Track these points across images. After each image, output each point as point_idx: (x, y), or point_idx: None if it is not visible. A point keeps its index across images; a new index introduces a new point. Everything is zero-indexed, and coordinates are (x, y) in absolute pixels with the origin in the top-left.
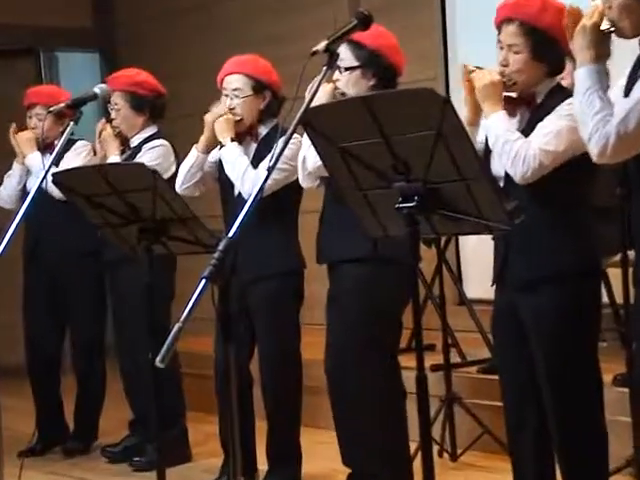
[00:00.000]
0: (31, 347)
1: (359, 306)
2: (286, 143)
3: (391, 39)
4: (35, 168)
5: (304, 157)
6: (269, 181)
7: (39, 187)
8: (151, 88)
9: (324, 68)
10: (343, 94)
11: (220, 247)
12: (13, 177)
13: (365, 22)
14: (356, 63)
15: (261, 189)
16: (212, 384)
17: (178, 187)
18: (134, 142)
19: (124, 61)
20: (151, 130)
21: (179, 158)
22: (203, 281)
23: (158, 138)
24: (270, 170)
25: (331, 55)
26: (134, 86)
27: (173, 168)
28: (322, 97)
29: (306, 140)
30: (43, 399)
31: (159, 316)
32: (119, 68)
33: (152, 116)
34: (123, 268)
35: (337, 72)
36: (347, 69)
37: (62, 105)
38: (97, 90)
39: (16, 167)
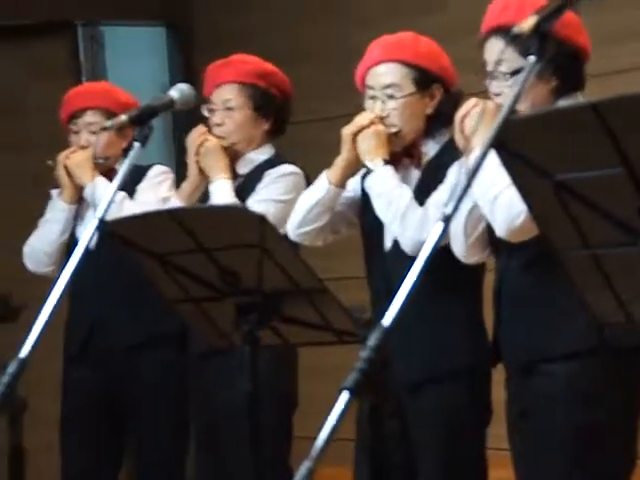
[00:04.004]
0: None
1: (574, 423)
2: (475, 171)
3: (568, 13)
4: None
5: (467, 219)
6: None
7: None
8: (281, 85)
9: (531, 59)
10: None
11: (371, 342)
12: (54, 222)
13: None
14: (523, 63)
15: (437, 242)
16: None
17: (292, 231)
18: (246, 164)
19: (204, 40)
20: (269, 150)
21: None
22: (345, 394)
23: (281, 163)
24: (449, 216)
25: (542, 39)
26: (260, 77)
27: None
28: (483, 121)
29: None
30: None
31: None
32: (198, 51)
33: (274, 129)
34: (216, 363)
35: (493, 83)
36: (513, 73)
37: (123, 118)
38: (175, 94)
39: (59, 207)
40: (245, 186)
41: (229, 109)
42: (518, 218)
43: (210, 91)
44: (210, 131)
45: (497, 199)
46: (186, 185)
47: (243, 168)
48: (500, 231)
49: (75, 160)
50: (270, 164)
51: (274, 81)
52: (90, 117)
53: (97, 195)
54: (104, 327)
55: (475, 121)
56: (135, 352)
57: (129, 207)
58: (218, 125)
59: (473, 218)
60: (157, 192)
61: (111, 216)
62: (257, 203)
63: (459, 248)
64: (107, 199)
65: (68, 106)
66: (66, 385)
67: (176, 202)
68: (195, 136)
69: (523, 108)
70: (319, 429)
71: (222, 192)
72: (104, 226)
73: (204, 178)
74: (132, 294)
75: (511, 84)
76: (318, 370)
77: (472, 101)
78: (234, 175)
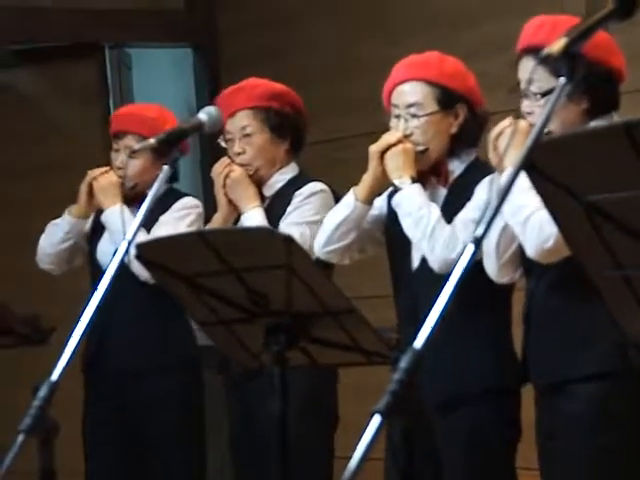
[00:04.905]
0: None
1: (597, 445)
2: (505, 193)
3: (601, 34)
4: (115, 230)
5: (499, 239)
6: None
7: (121, 263)
8: (294, 103)
9: (560, 80)
10: (547, 132)
11: (403, 364)
12: (58, 229)
13: (629, 6)
14: (554, 83)
15: (468, 264)
16: None
17: (319, 249)
18: (272, 186)
19: (231, 61)
20: (292, 169)
21: None
22: (376, 418)
23: (306, 181)
24: (480, 238)
25: (572, 60)
26: (272, 99)
27: None
28: (515, 141)
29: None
30: None
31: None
32: (224, 73)
33: (293, 147)
34: (254, 386)
35: (525, 102)
36: (544, 94)
37: (152, 141)
38: (203, 117)
39: (67, 220)
40: (272, 208)
41: (247, 135)
42: (549, 240)
43: (223, 119)
44: (232, 161)
45: (528, 221)
46: (217, 217)
47: (269, 190)
48: (531, 252)
49: (102, 183)
50: (295, 183)
51: (286, 100)
52: (130, 141)
53: (111, 220)
54: (110, 347)
55: (507, 140)
56: (143, 377)
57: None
58: (239, 154)
59: (506, 238)
60: (176, 228)
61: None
62: (291, 226)
63: (491, 267)
64: (137, 222)
65: (114, 124)
66: (85, 406)
67: None
68: (219, 168)
69: (553, 128)
70: (353, 449)
71: (255, 222)
72: (136, 249)
73: (234, 209)
74: (138, 320)
75: (542, 104)
76: (355, 389)
77: (507, 120)
78: (262, 199)
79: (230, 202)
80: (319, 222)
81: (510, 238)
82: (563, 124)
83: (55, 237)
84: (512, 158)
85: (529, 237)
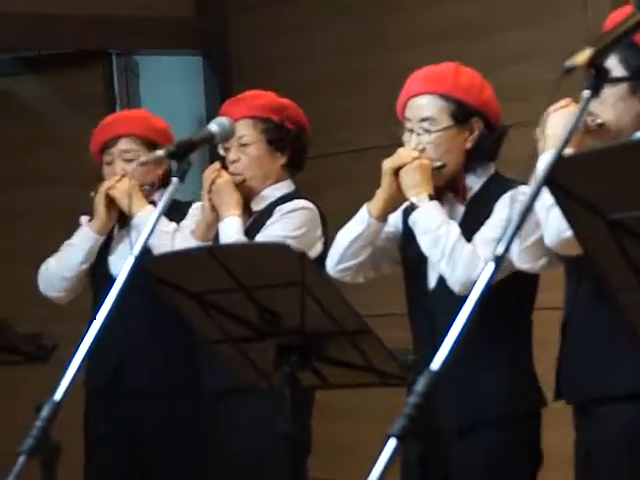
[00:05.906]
0: None
1: (628, 468)
2: (527, 208)
3: None
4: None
5: (535, 226)
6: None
7: (128, 279)
8: (295, 118)
9: (585, 92)
10: (600, 124)
11: (419, 387)
12: (78, 249)
13: None
14: (623, 73)
15: (489, 281)
16: None
17: (332, 267)
18: (262, 201)
19: (241, 69)
20: (287, 186)
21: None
22: (392, 442)
23: (295, 199)
24: (501, 257)
25: (598, 72)
26: (273, 111)
27: (319, 246)
28: (561, 123)
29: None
30: None
31: None
32: (235, 81)
33: (291, 163)
34: (231, 403)
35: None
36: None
37: (159, 153)
38: (214, 128)
39: (88, 235)
40: (256, 223)
41: (244, 145)
42: (568, 230)
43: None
44: (226, 169)
45: (553, 207)
46: (201, 223)
47: (258, 205)
48: (549, 240)
49: (122, 189)
50: (283, 200)
51: (288, 114)
52: (124, 144)
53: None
54: (114, 370)
55: (556, 123)
56: (154, 398)
57: (180, 241)
58: (233, 162)
59: (531, 222)
60: None
61: (163, 246)
62: (266, 239)
63: (513, 251)
64: (144, 237)
65: (100, 136)
66: (87, 428)
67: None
68: (208, 173)
69: (608, 119)
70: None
71: (230, 229)
72: (141, 265)
73: (217, 215)
74: (147, 340)
75: (604, 92)
76: (335, 411)
77: (564, 100)
78: (249, 212)
79: (214, 208)
80: (297, 238)
81: (535, 224)
82: (619, 118)
83: (75, 259)
84: (554, 141)
85: (550, 224)
